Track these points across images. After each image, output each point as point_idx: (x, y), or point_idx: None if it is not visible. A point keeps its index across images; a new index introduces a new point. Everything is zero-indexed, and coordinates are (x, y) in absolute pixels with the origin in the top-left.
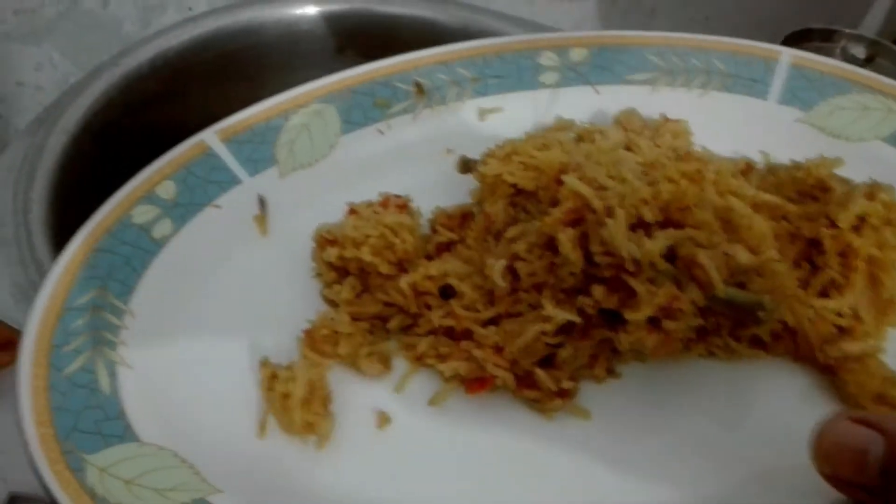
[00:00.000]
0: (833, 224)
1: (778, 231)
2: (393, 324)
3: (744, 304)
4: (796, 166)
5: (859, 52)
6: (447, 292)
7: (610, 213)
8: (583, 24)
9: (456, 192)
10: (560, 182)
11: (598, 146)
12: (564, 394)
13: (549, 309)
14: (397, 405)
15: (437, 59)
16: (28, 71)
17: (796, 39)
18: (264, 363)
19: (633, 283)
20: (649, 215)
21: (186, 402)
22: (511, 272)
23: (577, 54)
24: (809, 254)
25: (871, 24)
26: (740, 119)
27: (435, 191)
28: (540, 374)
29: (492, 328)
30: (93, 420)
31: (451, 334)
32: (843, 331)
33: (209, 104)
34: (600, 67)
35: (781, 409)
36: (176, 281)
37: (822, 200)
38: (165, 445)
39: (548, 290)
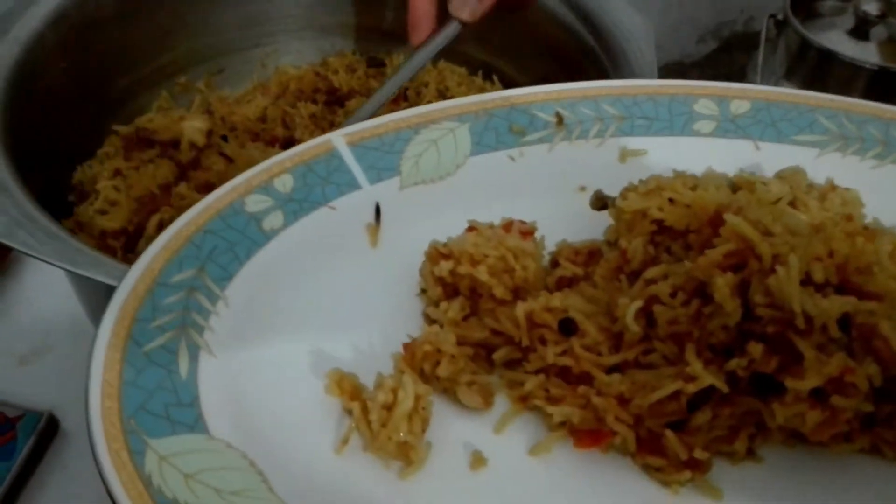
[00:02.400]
0: None
1: None
2: (499, 355)
3: None
4: None
5: (872, 9)
6: (568, 328)
7: (779, 260)
8: None
9: (585, 230)
10: (717, 225)
11: (760, 196)
12: (695, 465)
13: (695, 367)
14: (494, 447)
15: (584, 94)
16: None
17: None
18: (335, 373)
19: (802, 344)
20: (822, 274)
21: (265, 403)
22: (646, 316)
23: (738, 106)
24: None
25: None
26: None
27: (562, 226)
28: (670, 436)
29: (616, 376)
30: (163, 403)
31: (567, 376)
32: None
33: (165, 25)
34: (763, 123)
35: None
36: (276, 277)
37: None
38: (235, 445)
39: (692, 344)
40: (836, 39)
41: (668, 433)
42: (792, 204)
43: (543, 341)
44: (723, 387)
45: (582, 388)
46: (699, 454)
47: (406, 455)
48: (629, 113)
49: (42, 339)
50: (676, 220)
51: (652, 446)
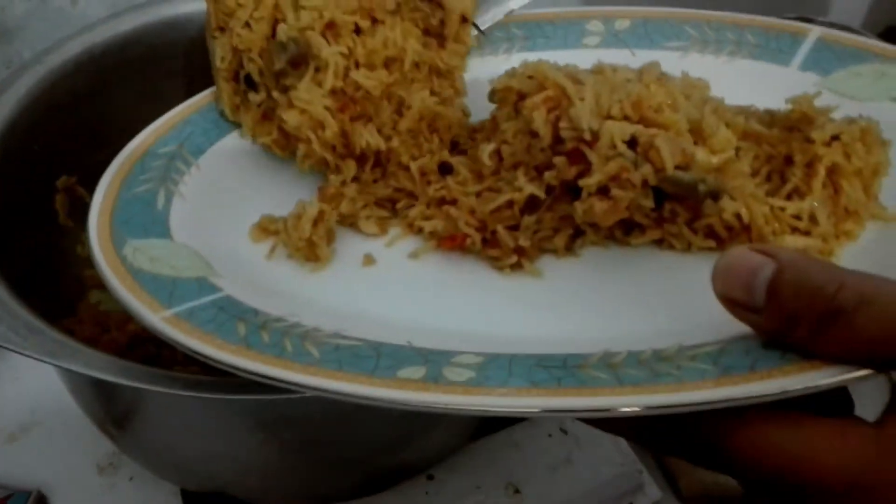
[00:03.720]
0: (808, 141)
1: (759, 153)
2: (400, 205)
3: (689, 183)
4: (787, 108)
5: None
6: (445, 169)
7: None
8: None
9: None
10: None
11: (605, 76)
12: (521, 252)
13: (521, 180)
14: (383, 254)
15: (497, 22)
16: None
17: None
18: (255, 226)
19: (589, 153)
20: (619, 109)
21: (218, 229)
22: (498, 156)
23: (621, 24)
24: (784, 171)
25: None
26: (761, 82)
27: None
28: (501, 231)
29: (472, 198)
30: (142, 221)
31: (443, 204)
32: (798, 231)
33: (136, 101)
34: (639, 35)
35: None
36: (238, 155)
37: (806, 130)
38: (191, 246)
39: (522, 167)
40: None
41: (500, 228)
42: None
43: (429, 183)
44: (540, 193)
45: (446, 207)
46: (523, 242)
47: (313, 253)
48: (532, 34)
49: (29, 414)
50: (530, 90)
51: (493, 244)
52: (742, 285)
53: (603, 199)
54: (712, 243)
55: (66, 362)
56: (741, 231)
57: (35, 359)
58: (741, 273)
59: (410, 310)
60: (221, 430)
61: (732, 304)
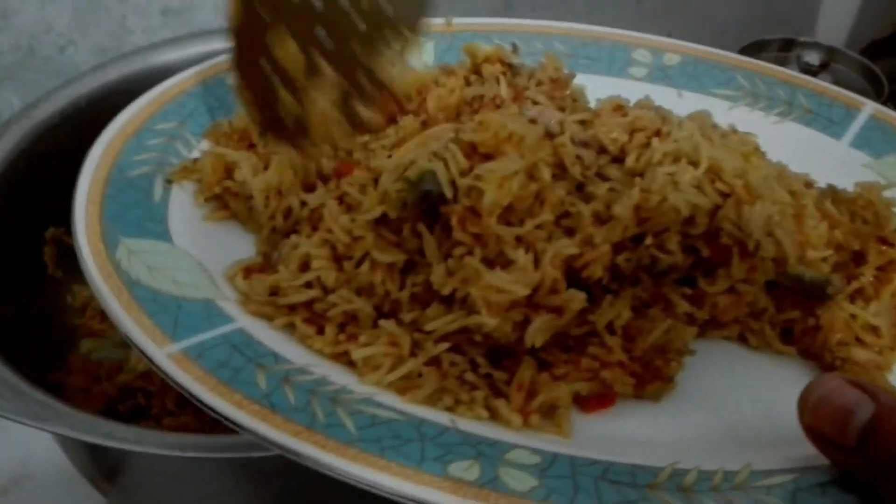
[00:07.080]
0: (885, 242)
1: (830, 239)
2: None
3: (812, 281)
4: (853, 192)
5: (813, 59)
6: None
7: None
8: None
9: None
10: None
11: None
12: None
13: (675, 296)
14: None
15: (539, 30)
16: None
17: (754, 50)
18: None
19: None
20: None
21: (223, 235)
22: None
23: (670, 59)
24: (849, 266)
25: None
26: (810, 151)
27: None
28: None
29: (616, 340)
30: (138, 216)
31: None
32: (860, 341)
33: None
34: (689, 75)
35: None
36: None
37: (873, 223)
38: (193, 254)
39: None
40: None
41: (663, 361)
42: None
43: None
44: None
45: (586, 362)
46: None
47: None
48: (576, 52)
49: (20, 467)
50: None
51: (648, 379)
52: (834, 423)
53: (725, 294)
54: (791, 350)
55: (51, 425)
56: (811, 332)
57: (19, 422)
58: (835, 410)
59: None
60: (210, 485)
61: (820, 439)
